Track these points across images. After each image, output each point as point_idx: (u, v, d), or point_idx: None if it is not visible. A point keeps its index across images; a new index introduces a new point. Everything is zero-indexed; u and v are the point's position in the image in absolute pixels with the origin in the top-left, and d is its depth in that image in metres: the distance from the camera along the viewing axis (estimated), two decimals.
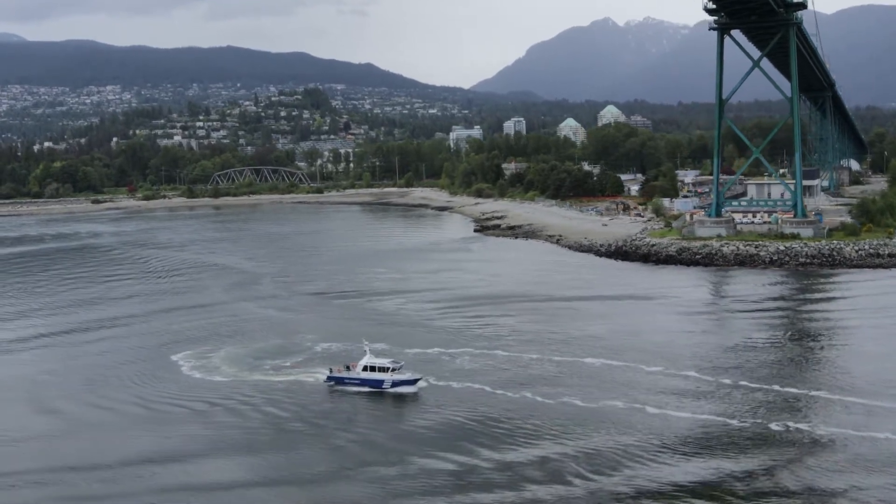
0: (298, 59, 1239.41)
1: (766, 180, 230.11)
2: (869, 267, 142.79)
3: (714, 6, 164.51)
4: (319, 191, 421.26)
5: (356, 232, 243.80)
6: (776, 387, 72.09)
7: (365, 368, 76.90)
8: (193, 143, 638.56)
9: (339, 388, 76.74)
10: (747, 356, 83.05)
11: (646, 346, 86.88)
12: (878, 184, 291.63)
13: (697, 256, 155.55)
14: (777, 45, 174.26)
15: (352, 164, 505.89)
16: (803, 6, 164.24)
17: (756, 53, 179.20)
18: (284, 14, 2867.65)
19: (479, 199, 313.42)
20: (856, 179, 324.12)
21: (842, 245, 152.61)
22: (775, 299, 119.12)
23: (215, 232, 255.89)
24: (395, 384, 75.23)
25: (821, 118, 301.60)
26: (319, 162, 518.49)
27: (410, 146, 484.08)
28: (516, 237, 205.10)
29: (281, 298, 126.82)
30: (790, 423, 63.08)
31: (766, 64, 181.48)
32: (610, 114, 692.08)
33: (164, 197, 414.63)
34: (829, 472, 54.87)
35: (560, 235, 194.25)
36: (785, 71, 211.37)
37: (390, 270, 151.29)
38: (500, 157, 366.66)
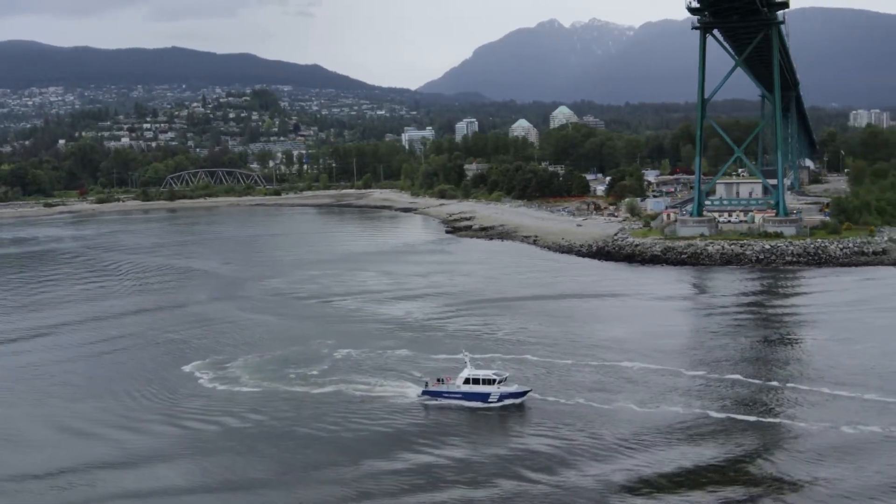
0: (244, 61, 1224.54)
1: (734, 179, 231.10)
2: (855, 265, 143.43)
3: (698, 5, 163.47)
4: (277, 193, 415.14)
5: (326, 234, 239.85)
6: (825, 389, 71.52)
7: (467, 381, 71.65)
8: (141, 145, 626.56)
9: (436, 402, 71.66)
10: (787, 356, 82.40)
11: (677, 349, 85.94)
12: (837, 182, 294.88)
13: (683, 256, 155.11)
14: (749, 44, 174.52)
15: (305, 166, 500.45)
16: (785, 5, 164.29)
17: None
18: (229, 15, 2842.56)
19: (444, 200, 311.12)
20: (815, 178, 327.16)
21: (826, 243, 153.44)
22: (775, 296, 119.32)
23: (180, 235, 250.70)
24: (502, 397, 70.36)
25: (782, 118, 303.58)
26: (273, 164, 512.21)
27: (367, 147, 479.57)
28: (491, 238, 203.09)
29: (274, 304, 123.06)
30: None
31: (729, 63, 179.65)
32: (562, 114, 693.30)
33: (118, 200, 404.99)
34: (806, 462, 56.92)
35: (536, 236, 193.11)
36: (755, 70, 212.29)
37: (379, 273, 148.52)
38: (461, 157, 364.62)
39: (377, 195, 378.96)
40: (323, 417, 68.99)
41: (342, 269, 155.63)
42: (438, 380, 73.42)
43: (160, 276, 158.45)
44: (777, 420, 64.94)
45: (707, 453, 58.76)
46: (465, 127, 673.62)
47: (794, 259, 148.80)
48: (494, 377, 71.37)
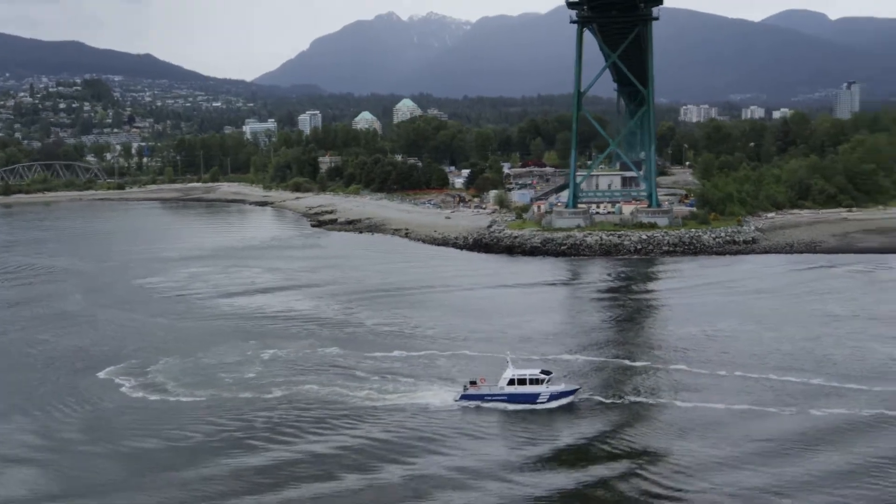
0: (72, 49, 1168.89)
1: (594, 172, 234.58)
2: (728, 253, 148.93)
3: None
4: (121, 187, 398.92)
5: (186, 228, 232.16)
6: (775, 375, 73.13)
7: (511, 382, 67.31)
8: None
9: (477, 405, 67.11)
10: (721, 345, 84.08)
11: (609, 340, 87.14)
12: (683, 175, 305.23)
13: (563, 247, 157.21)
14: (621, 39, 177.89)
15: (146, 159, 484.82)
16: (659, 1, 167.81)
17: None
18: (55, 1, 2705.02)
19: (299, 194, 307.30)
20: (662, 171, 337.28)
21: (700, 233, 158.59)
22: (667, 285, 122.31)
23: (29, 231, 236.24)
24: (553, 397, 66.51)
25: (633, 112, 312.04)
26: (111, 157, 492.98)
27: (213, 140, 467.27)
28: (361, 232, 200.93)
29: (164, 303, 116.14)
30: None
31: (594, 57, 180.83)
32: (406, 107, 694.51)
33: None
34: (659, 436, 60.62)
35: (407, 229, 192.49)
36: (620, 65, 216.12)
37: (264, 269, 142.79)
38: (315, 150, 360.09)
39: (227, 189, 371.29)
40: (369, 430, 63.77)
41: (222, 265, 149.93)
42: (472, 382, 68.95)
43: (25, 276, 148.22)
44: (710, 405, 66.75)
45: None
46: (308, 119, 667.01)
47: (671, 249, 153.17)
48: (543, 376, 67.75)
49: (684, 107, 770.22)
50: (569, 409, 66.22)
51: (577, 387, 68.52)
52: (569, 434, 61.83)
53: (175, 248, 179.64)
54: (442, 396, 69.10)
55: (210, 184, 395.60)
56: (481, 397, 67.60)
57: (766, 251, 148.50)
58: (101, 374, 79.53)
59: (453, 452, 58.77)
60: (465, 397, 67.92)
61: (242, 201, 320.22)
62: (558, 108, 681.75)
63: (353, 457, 58.24)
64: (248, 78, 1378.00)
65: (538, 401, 66.74)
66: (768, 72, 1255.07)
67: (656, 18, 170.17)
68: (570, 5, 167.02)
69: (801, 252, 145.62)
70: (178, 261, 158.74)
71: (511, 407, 66.81)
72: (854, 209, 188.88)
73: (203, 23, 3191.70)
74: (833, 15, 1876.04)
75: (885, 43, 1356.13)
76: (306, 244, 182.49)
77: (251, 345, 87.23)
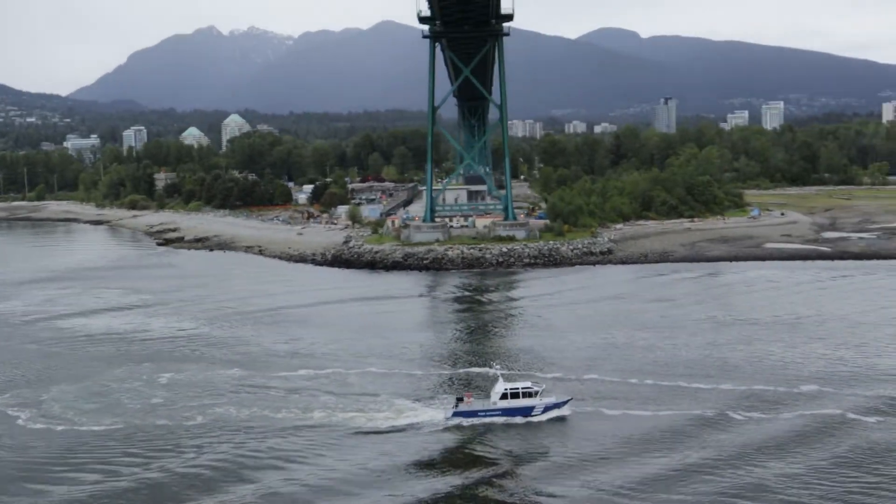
0: None
1: (448, 186, 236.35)
2: (587, 264, 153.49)
3: (429, 14, 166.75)
4: None
5: (23, 249, 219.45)
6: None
7: (504, 396, 65.86)
8: None
9: (469, 422, 65.18)
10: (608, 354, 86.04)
11: (516, 350, 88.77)
12: (520, 188, 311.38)
13: (425, 261, 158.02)
14: (470, 55, 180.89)
15: None
16: (510, 18, 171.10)
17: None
18: None
19: (136, 212, 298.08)
20: (501, 184, 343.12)
21: (558, 245, 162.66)
22: (537, 296, 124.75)
23: None
24: (547, 409, 65.58)
25: (472, 126, 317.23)
26: None
27: (38, 157, 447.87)
28: (211, 250, 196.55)
29: (27, 329, 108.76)
30: None
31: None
32: (234, 123, 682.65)
33: None
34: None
35: (260, 246, 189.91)
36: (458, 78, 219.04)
37: (126, 290, 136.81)
38: (151, 166, 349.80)
39: (55, 207, 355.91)
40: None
41: (79, 287, 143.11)
42: (459, 399, 67.41)
43: None
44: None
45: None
46: (133, 135, 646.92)
47: (532, 261, 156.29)
48: (536, 388, 66.90)
49: (510, 122, 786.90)
50: (562, 421, 66.20)
51: (569, 398, 68.21)
52: (490, 445, 62.80)
53: (18, 270, 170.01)
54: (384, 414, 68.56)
55: (36, 202, 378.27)
56: (475, 413, 66.21)
57: (622, 261, 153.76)
58: None
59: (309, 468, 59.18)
60: (457, 414, 66.26)
61: (75, 220, 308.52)
62: (385, 122, 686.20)
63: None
64: (64, 92, 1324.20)
65: (533, 413, 66.14)
66: (586, 88, 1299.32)
67: (507, 34, 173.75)
68: (422, 20, 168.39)
69: (656, 262, 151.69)
70: (27, 284, 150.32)
71: (506, 421, 65.85)
72: (695, 219, 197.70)
73: (11, 34, 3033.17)
74: (644, 33, 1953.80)
75: (691, 59, 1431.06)
76: (160, 263, 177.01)
77: (144, 368, 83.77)
